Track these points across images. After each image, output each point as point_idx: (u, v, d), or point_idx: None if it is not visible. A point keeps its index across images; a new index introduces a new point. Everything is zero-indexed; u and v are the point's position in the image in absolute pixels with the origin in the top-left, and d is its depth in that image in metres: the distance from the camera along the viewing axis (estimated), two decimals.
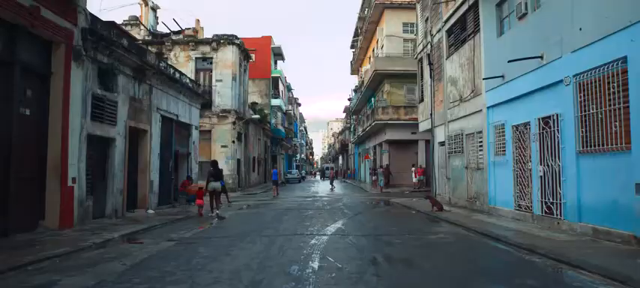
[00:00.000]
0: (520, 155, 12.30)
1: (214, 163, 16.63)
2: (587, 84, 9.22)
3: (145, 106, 16.35)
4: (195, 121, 22.15)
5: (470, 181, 16.13)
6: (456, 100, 17.36)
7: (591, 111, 9.10)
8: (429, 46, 21.09)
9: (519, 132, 12.32)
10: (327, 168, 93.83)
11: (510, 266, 7.31)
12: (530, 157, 11.65)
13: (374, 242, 9.35)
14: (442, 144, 19.53)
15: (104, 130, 13.39)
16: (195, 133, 22.18)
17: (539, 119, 11.11)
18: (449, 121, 18.31)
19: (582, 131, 9.41)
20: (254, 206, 19.95)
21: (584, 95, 9.34)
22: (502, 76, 13.10)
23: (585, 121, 9.33)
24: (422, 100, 23.27)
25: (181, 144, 20.75)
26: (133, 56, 14.82)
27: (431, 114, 20.78)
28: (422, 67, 22.98)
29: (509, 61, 11.63)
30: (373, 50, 42.32)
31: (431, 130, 20.91)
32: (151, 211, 16.08)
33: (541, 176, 11.02)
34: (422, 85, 23.16)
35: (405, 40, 36.38)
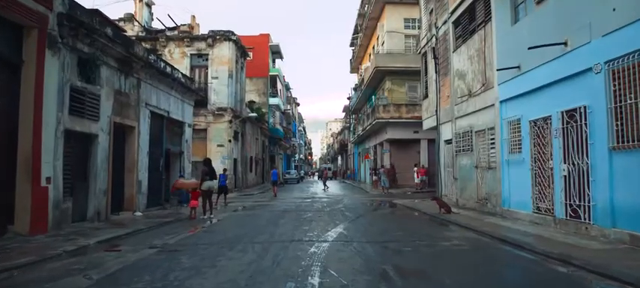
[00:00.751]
0: (539, 153, 11.23)
1: (208, 161, 15.55)
2: (622, 71, 8.15)
3: (133, 101, 15.27)
4: (188, 118, 21.06)
5: (480, 181, 15.07)
6: (464, 95, 16.31)
7: (628, 102, 8.03)
8: (433, 39, 20.04)
9: (538, 127, 11.25)
10: (325, 168, 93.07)
11: (546, 283, 6.21)
12: (551, 154, 10.60)
13: (381, 250, 8.27)
14: (449, 142, 18.48)
15: (85, 126, 12.30)
16: (188, 131, 21.09)
17: (562, 113, 10.04)
18: (456, 118, 17.25)
19: (616, 125, 8.34)
20: (250, 208, 18.88)
21: (618, 84, 8.27)
22: (518, 67, 12.04)
23: (620, 113, 8.27)
24: (426, 96, 22.21)
25: (173, 142, 19.66)
26: (118, 47, 13.73)
27: (436, 111, 19.72)
28: (426, 61, 21.92)
29: (529, 48, 10.54)
30: (373, 47, 41.29)
31: (436, 128, 19.85)
32: (138, 214, 15.00)
33: (565, 176, 9.96)
34: (426, 81, 22.10)
35: (407, 36, 35.36)
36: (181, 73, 20.50)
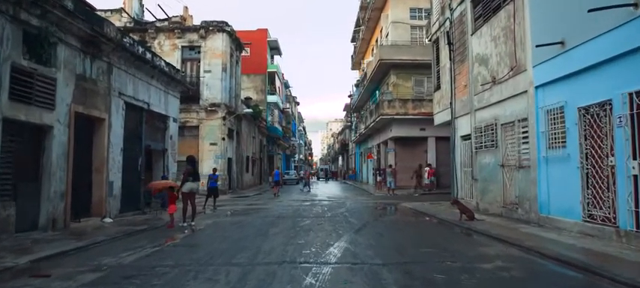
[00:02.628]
0: (593, 147, 9.03)
1: (191, 159, 13.31)
2: None
3: (102, 89, 13.08)
4: (172, 111, 18.84)
5: (508, 182, 12.87)
6: (486, 82, 14.11)
7: None
8: (447, 22, 17.83)
9: (591, 115, 9.06)
10: (322, 169, 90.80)
11: None
12: (611, 148, 8.40)
13: (405, 280, 6.00)
14: (466, 138, 16.28)
15: (34, 115, 10.10)
16: (173, 127, 18.87)
17: (630, 95, 7.83)
18: (476, 110, 15.05)
19: None
20: (241, 212, 16.68)
21: None
22: (560, 43, 9.84)
23: None
24: (438, 88, 19.99)
25: (155, 139, 17.45)
26: (81, 23, 11.52)
27: (451, 103, 17.50)
28: (438, 49, 19.71)
29: (590, 11, 8.30)
30: (377, 41, 39.09)
31: (451, 123, 17.63)
32: (108, 220, 12.81)
33: (634, 175, 7.75)
34: (438, 71, 19.89)
35: (413, 27, 33.15)
36: (165, 61, 18.29)
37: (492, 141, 13.80)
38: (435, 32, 19.88)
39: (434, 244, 9.12)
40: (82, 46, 11.94)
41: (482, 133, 14.45)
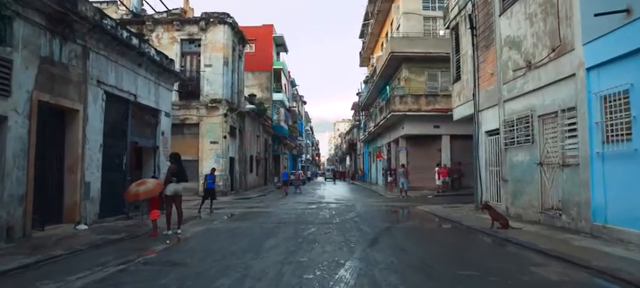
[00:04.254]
0: None
1: (176, 156, 11.44)
2: None
3: (75, 76, 11.31)
4: (165, 105, 17.06)
5: (547, 183, 10.96)
6: (519, 68, 12.21)
7: None
8: (469, 5, 15.92)
9: None
10: (328, 169, 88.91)
11: None
12: None
13: None
14: (493, 133, 14.39)
15: None
16: (165, 121, 17.08)
17: None
18: (506, 101, 13.15)
19: None
20: (239, 217, 14.89)
21: None
22: (626, 11, 7.94)
23: None
24: (457, 79, 18.07)
25: (143, 135, 15.68)
26: None
27: (474, 94, 15.59)
28: (457, 36, 17.80)
29: None
30: (387, 34, 37.21)
31: (473, 117, 15.72)
32: (82, 227, 11.05)
33: None
34: (457, 60, 17.98)
35: (426, 18, 31.24)
36: (155, 49, 16.52)
37: (527, 136, 11.89)
38: (454, 17, 17.95)
39: (470, 262, 7.25)
40: (48, 25, 10.18)
41: (514, 127, 12.54)
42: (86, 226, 11.21)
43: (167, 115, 17.33)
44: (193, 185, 24.00)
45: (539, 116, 11.33)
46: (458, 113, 18.14)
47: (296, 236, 9.78)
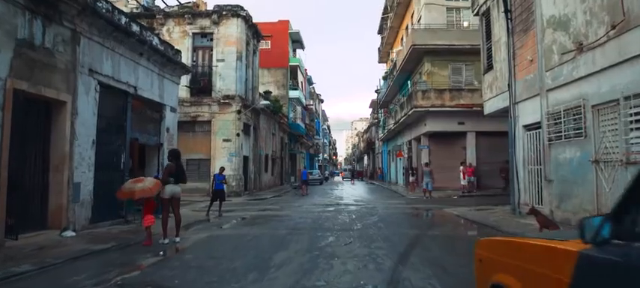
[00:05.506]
0: None
1: (175, 153, 10.12)
2: None
3: (61, 63, 10.03)
4: (170, 99, 15.78)
5: (606, 184, 9.33)
6: (567, 51, 10.59)
7: None
8: None
9: None
10: (346, 169, 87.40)
11: None
12: None
13: None
14: (533, 127, 12.77)
15: None
16: (170, 117, 15.80)
17: None
18: (550, 89, 11.53)
19: None
20: (249, 221, 13.55)
21: None
22: None
23: None
24: (489, 68, 16.44)
25: (145, 131, 14.41)
26: None
27: (509, 85, 13.96)
28: (489, 21, 16.16)
29: None
30: (407, 28, 35.52)
31: (509, 110, 14.10)
32: (69, 234, 9.78)
33: None
34: (489, 48, 16.34)
35: (449, 9, 29.47)
36: (158, 38, 15.25)
37: (577, 129, 10.27)
38: (485, 2, 16.32)
39: None
40: (27, 3, 8.91)
41: (561, 120, 10.91)
42: (74, 233, 9.93)
43: (173, 110, 16.04)
44: (205, 185, 22.84)
45: (593, 106, 9.71)
46: (489, 107, 16.49)
47: (311, 248, 8.28)
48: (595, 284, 2.11)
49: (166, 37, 24.14)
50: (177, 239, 9.44)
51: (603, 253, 2.10)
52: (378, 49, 51.38)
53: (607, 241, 2.11)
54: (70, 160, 10.25)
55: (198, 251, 8.41)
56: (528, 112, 12.95)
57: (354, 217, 14.04)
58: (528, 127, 13.09)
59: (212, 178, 15.93)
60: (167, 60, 15.17)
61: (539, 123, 12.18)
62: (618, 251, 2.03)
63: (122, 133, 12.83)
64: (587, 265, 2.18)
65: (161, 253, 8.15)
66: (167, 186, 9.41)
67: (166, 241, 9.27)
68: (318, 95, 78.36)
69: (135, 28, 13.12)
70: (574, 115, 10.41)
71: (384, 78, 46.00)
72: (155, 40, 14.48)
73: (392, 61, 41.10)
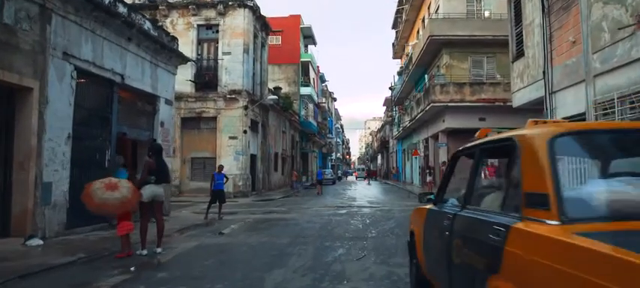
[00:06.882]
0: None
1: (156, 148, 8.54)
2: None
3: (27, 44, 8.59)
4: (165, 91, 14.31)
5: None
6: (623, 26, 8.90)
7: None
8: None
9: None
10: (359, 169, 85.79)
11: None
12: None
13: None
14: (574, 119, 11.05)
15: None
16: (165, 110, 14.33)
17: None
18: (598, 75, 9.84)
19: None
20: (250, 226, 12.04)
21: None
22: None
23: None
24: (519, 55, 14.72)
25: (136, 125, 12.99)
26: None
27: (544, 72, 12.27)
28: (518, 2, 14.45)
29: None
30: (423, 20, 33.79)
31: (544, 100, 12.40)
32: (34, 242, 8.30)
33: None
34: (518, 32, 14.63)
35: None
36: (149, 19, 13.82)
37: (637, 119, 8.59)
38: None
39: None
40: None
41: (615, 109, 9.22)
42: (41, 241, 8.46)
43: (168, 102, 14.58)
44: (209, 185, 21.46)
45: None
46: (519, 98, 14.78)
47: (315, 265, 6.62)
48: (433, 220, 4.11)
49: (170, 30, 22.76)
50: (159, 250, 7.92)
51: (435, 208, 4.20)
52: (392, 44, 49.62)
53: (435, 203, 4.29)
54: (38, 156, 8.81)
55: (177, 267, 6.88)
56: (569, 103, 11.26)
57: (368, 221, 12.45)
58: (569, 120, 11.37)
59: (211, 177, 14.46)
60: (161, 47, 13.71)
61: (583, 114, 10.47)
62: (437, 207, 4.13)
63: (107, 127, 11.38)
64: (431, 213, 4.27)
65: (132, 268, 6.63)
66: (147, 187, 7.86)
67: (145, 252, 7.76)
68: (330, 93, 76.75)
69: (122, 9, 11.66)
70: (631, 102, 8.73)
71: (399, 74, 44.27)
72: (147, 24, 13.02)
73: (407, 55, 39.34)
